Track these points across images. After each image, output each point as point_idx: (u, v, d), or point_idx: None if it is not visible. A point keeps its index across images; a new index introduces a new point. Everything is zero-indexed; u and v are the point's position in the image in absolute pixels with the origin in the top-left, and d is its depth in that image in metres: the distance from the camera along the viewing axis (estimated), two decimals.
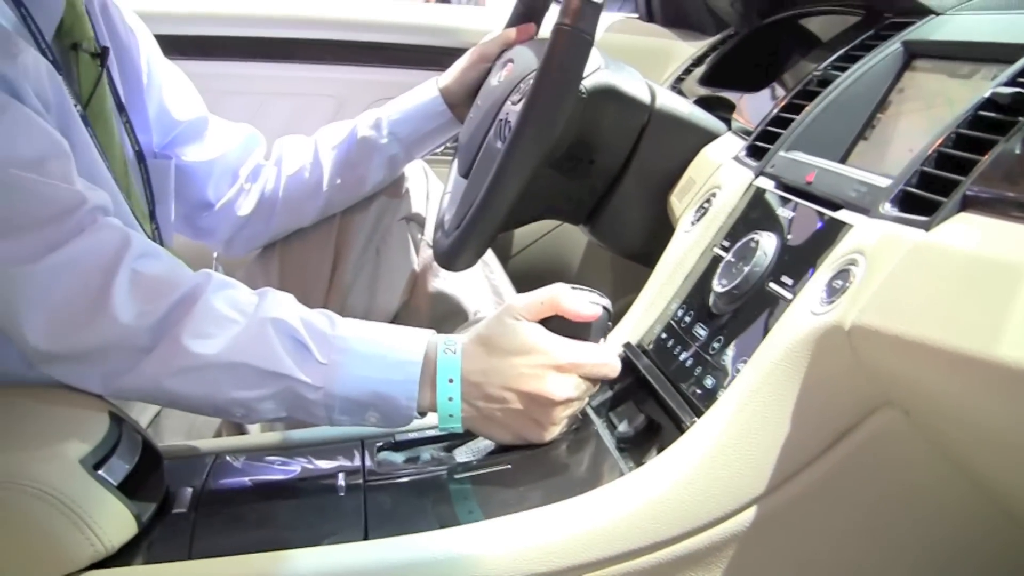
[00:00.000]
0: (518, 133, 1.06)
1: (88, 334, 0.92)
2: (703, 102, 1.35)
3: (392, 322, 1.45)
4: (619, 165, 1.23)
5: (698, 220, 1.08)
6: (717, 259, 0.98)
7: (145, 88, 1.32)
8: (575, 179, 1.24)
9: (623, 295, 1.70)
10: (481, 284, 1.48)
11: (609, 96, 1.19)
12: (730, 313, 0.91)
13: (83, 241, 0.93)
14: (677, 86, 1.56)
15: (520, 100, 1.17)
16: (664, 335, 1.00)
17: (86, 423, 0.87)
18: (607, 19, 1.89)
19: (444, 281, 1.45)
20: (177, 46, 1.88)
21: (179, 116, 1.38)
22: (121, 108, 1.24)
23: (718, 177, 1.11)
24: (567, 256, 1.87)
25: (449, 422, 0.95)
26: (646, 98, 1.22)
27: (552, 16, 1.40)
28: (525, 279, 1.57)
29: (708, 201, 1.09)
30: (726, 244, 0.99)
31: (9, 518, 0.78)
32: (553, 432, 0.95)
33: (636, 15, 1.89)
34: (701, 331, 0.93)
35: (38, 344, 0.91)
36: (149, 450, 0.91)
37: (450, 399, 0.94)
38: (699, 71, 1.55)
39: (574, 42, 1.04)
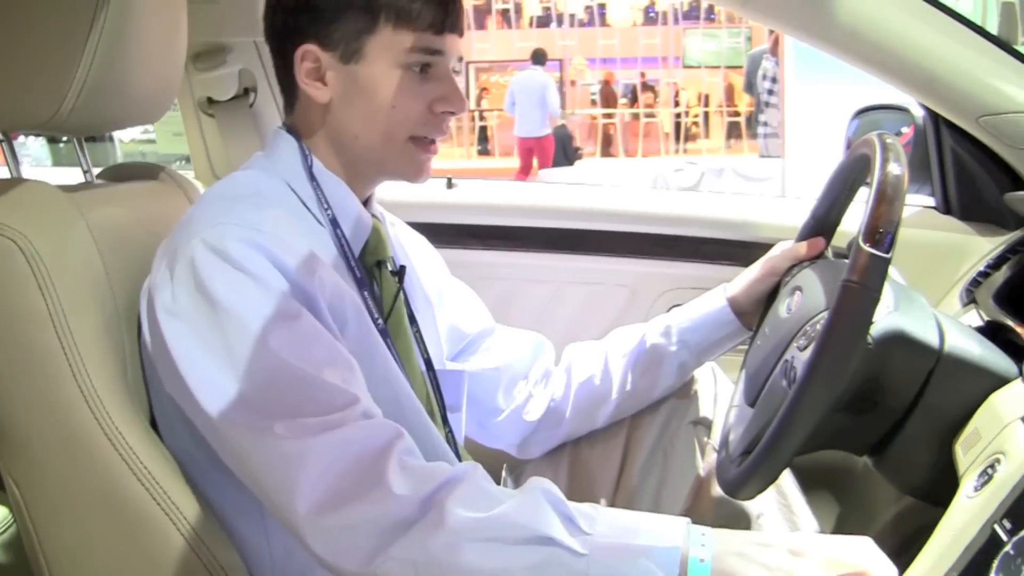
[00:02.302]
0: (803, 386, 1.10)
1: (360, 505, 1.02)
2: (993, 329, 1.33)
3: None
4: (903, 408, 1.22)
5: (981, 487, 1.08)
6: (997, 540, 0.98)
7: (436, 306, 1.49)
8: (857, 417, 1.26)
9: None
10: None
11: (897, 342, 1.18)
12: None
13: (359, 428, 1.07)
14: (972, 291, 1.53)
15: (806, 347, 1.21)
16: None
17: None
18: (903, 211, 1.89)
19: None
20: (479, 236, 2.05)
21: (468, 329, 1.53)
22: (412, 320, 1.38)
23: (1003, 440, 1.09)
24: None
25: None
26: (935, 342, 1.21)
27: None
28: (809, 474, 1.59)
29: (992, 467, 1.08)
30: (1007, 525, 0.98)
31: None
32: None
33: (932, 203, 1.87)
34: None
35: (309, 511, 1.02)
36: None
37: (703, 545, 0.99)
38: (996, 279, 1.52)
39: (861, 300, 1.07)
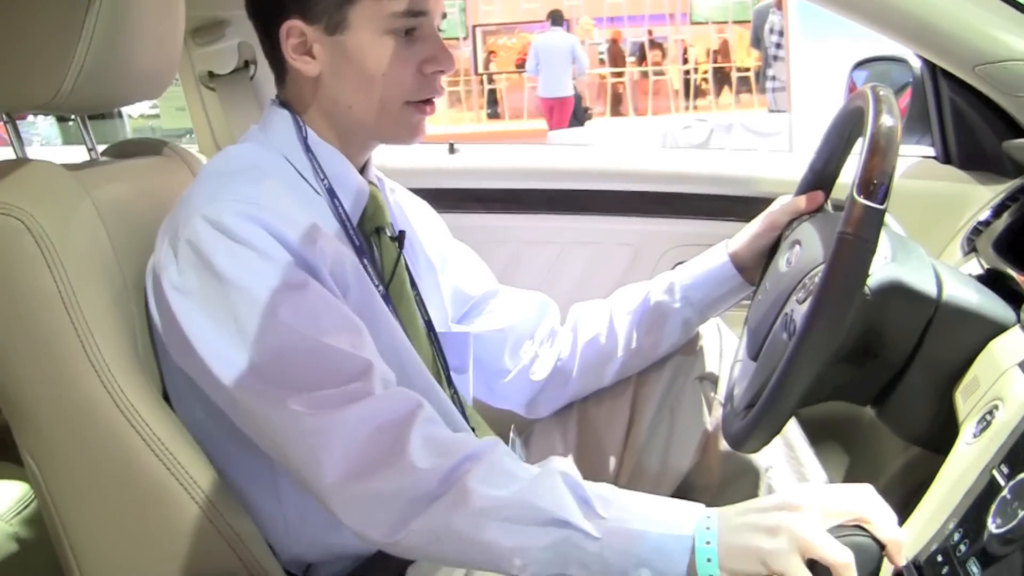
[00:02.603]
0: (802, 338, 1.12)
1: (384, 477, 1.05)
2: (993, 277, 1.34)
3: (684, 481, 1.53)
4: (904, 358, 1.24)
5: (980, 433, 1.09)
6: (995, 485, 0.99)
7: (440, 271, 1.51)
8: (858, 368, 1.27)
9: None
10: (774, 439, 1.52)
11: (894, 292, 1.19)
12: (1006, 556, 0.92)
13: (380, 400, 1.09)
14: (973, 239, 1.54)
15: (805, 300, 1.22)
16: (940, 559, 1.01)
17: None
18: (903, 162, 1.89)
19: None
20: (482, 200, 2.07)
21: (472, 292, 1.55)
22: (413, 284, 1.41)
23: (1001, 386, 1.10)
24: None
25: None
26: (932, 291, 1.22)
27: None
28: (817, 426, 1.60)
29: (991, 413, 1.09)
30: (1005, 470, 1.00)
31: None
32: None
33: (933, 153, 1.87)
34: (974, 568, 0.95)
35: (334, 483, 1.06)
36: None
37: (707, 528, 1.00)
38: (996, 227, 1.53)
39: (857, 251, 1.08)
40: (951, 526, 1.03)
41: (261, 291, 1.11)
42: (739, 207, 1.70)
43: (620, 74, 13.44)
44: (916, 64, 1.80)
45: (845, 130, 1.39)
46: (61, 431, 1.20)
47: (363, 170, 1.36)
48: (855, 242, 1.08)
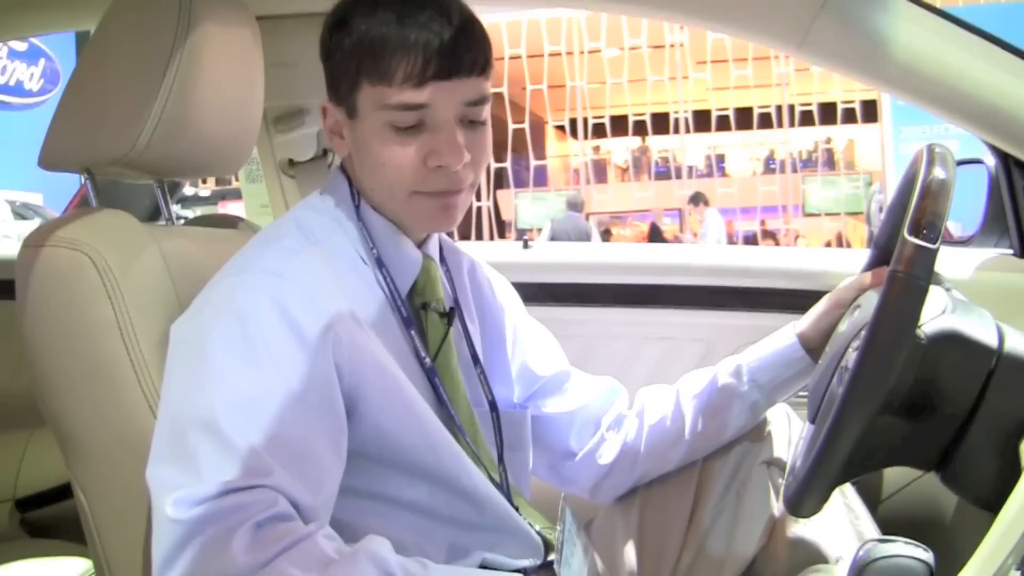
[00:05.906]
0: (852, 381, 1.09)
1: (207, 570, 1.02)
2: None
3: (748, 570, 1.47)
4: (965, 411, 1.19)
5: None
6: None
7: (510, 349, 1.49)
8: (919, 425, 1.22)
9: None
10: (845, 530, 1.45)
11: (951, 342, 1.17)
12: None
13: (228, 503, 1.04)
14: None
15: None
16: None
17: None
18: (979, 257, 1.86)
19: (805, 527, 1.44)
20: (556, 295, 2.08)
21: (541, 372, 1.53)
22: (476, 361, 1.40)
23: None
24: (940, 501, 1.78)
25: None
26: (993, 342, 1.18)
27: None
28: (895, 525, 1.53)
29: None
30: None
31: None
32: None
33: (1011, 251, 1.83)
34: None
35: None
36: None
37: None
38: None
39: (907, 288, 1.06)
40: (1010, 561, 0.98)
41: (225, 371, 1.11)
42: (813, 302, 1.68)
43: None
44: (990, 162, 1.78)
45: (908, 200, 1.37)
46: (109, 459, 1.22)
47: (424, 243, 1.38)
48: (906, 279, 1.06)
